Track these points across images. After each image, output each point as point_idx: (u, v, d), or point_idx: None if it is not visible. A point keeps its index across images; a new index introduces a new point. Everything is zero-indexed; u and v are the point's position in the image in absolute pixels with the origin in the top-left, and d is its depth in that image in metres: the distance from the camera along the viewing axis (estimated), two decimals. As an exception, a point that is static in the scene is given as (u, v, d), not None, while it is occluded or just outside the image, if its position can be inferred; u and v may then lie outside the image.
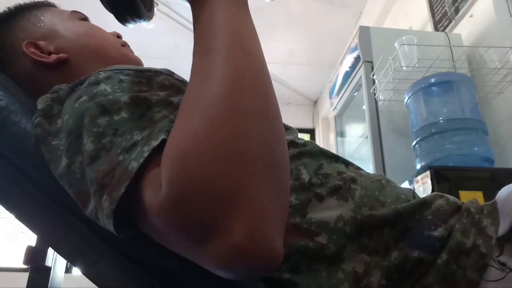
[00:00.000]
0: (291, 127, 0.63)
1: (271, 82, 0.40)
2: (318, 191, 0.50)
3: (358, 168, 0.59)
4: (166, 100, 0.45)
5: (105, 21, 0.75)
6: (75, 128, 0.43)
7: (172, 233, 0.34)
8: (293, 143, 0.56)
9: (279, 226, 0.34)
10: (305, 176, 0.52)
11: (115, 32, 0.76)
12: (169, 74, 0.54)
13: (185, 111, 0.37)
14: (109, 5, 0.50)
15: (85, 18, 0.74)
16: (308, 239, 0.46)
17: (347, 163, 0.57)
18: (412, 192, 0.57)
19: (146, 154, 0.36)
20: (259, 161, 0.33)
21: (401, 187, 0.58)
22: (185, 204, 0.31)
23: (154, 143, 0.37)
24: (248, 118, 0.35)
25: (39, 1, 0.74)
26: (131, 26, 0.53)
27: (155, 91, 0.47)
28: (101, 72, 0.48)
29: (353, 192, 0.51)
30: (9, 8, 0.71)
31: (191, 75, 0.40)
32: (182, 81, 0.54)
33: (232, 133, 0.33)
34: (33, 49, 0.65)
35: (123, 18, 0.51)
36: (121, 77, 0.48)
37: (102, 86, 0.46)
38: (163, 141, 0.37)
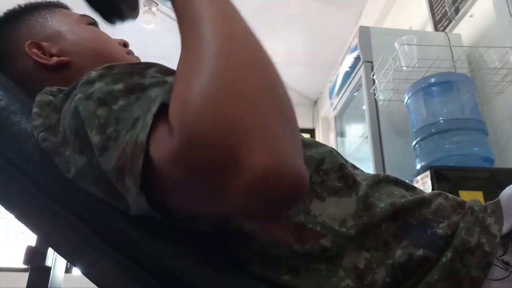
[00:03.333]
0: None
1: (256, 36, 0.41)
2: (319, 191, 0.50)
3: (354, 167, 0.59)
4: (160, 81, 0.44)
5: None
6: (80, 125, 0.44)
7: (191, 180, 0.33)
8: None
9: (299, 153, 0.34)
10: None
11: (121, 39, 0.75)
12: (161, 65, 0.54)
13: (182, 74, 0.36)
14: (92, 5, 0.52)
15: (93, 23, 0.73)
16: (314, 241, 0.46)
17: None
18: (405, 186, 0.57)
19: (150, 122, 0.36)
20: (263, 97, 0.34)
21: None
22: (198, 145, 0.31)
23: (154, 109, 0.37)
24: (244, 64, 0.36)
25: (51, 1, 0.73)
26: (118, 24, 0.56)
27: (148, 79, 0.47)
28: (93, 72, 0.48)
29: (357, 187, 0.51)
30: (19, 5, 0.70)
31: (181, 49, 0.40)
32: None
33: (232, 77, 0.34)
34: (35, 50, 0.65)
35: (107, 18, 0.54)
36: (113, 71, 0.47)
37: (97, 85, 0.45)
38: (163, 106, 0.36)
